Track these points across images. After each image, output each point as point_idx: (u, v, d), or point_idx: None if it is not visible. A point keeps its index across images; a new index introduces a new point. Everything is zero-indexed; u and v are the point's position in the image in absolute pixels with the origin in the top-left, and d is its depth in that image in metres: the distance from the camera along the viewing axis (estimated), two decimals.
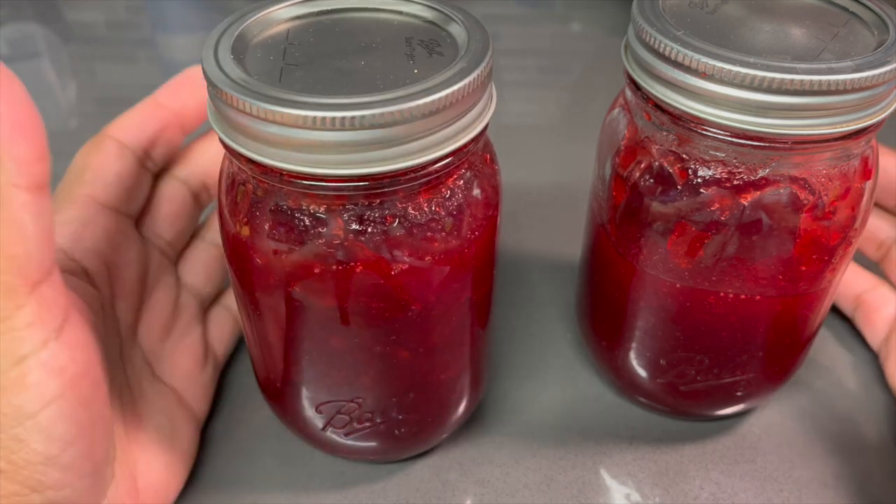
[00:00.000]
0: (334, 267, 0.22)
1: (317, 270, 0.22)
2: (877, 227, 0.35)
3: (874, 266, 0.37)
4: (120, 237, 0.27)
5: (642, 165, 0.26)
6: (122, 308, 0.27)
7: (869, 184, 0.26)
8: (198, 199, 0.31)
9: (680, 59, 0.23)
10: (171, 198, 0.30)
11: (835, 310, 0.39)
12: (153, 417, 0.28)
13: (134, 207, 0.28)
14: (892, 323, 0.35)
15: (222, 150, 0.31)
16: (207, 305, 0.33)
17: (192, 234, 0.32)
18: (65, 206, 0.26)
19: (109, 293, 0.27)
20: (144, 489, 0.26)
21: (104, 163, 0.27)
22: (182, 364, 0.30)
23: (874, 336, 0.36)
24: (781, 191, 0.24)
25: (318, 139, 0.19)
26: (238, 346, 0.37)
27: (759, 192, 0.24)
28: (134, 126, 0.28)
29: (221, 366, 0.34)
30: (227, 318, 0.34)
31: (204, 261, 0.32)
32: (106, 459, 0.23)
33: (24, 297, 0.19)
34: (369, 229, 0.22)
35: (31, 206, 0.18)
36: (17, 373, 0.19)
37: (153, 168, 0.29)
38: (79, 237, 0.26)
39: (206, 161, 0.31)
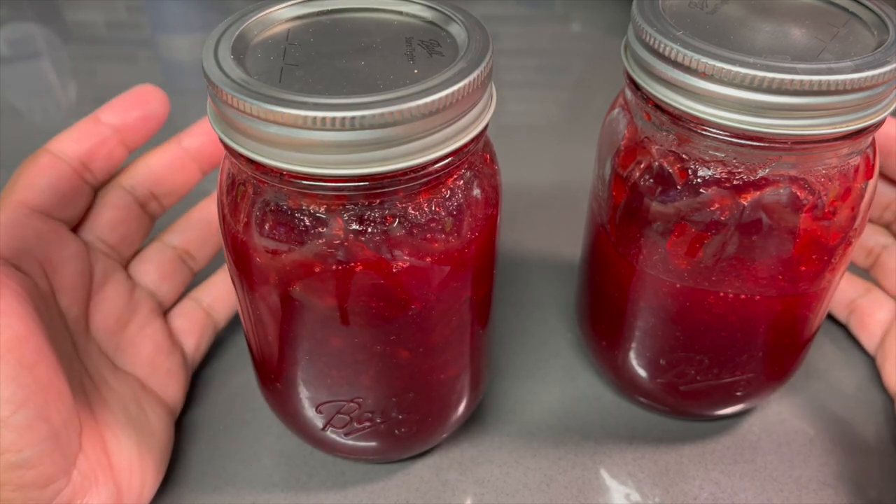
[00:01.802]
0: (334, 267, 0.22)
1: (317, 270, 0.22)
2: (865, 233, 0.35)
3: (863, 274, 0.37)
4: (53, 237, 0.28)
5: (642, 165, 0.26)
6: (65, 302, 0.28)
7: (869, 184, 0.26)
8: (146, 208, 0.32)
9: (680, 59, 0.23)
10: (113, 205, 0.31)
11: (829, 316, 0.39)
12: (117, 402, 0.29)
13: (69, 214, 0.29)
14: (886, 326, 0.35)
15: (170, 163, 0.32)
16: (169, 300, 0.34)
17: (143, 238, 0.33)
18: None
19: (48, 287, 0.28)
20: (119, 466, 0.27)
21: (37, 172, 0.28)
22: (142, 354, 0.31)
23: (870, 340, 0.36)
24: (781, 191, 0.24)
25: (318, 139, 0.19)
26: (237, 346, 0.37)
27: (758, 192, 0.24)
28: (70, 140, 0.29)
29: (194, 355, 0.34)
30: (196, 310, 0.35)
31: (158, 261, 0.33)
32: (64, 425, 0.24)
33: None
34: (369, 229, 0.22)
35: None
36: None
37: (92, 181, 0.30)
38: (7, 238, 0.27)
39: (153, 171, 0.32)
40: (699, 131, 0.24)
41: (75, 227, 0.30)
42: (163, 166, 0.32)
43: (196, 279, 0.35)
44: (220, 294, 0.35)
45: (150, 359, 0.31)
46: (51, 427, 0.23)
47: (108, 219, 0.31)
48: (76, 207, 0.30)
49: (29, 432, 0.23)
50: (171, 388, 0.32)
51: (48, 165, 0.28)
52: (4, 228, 0.27)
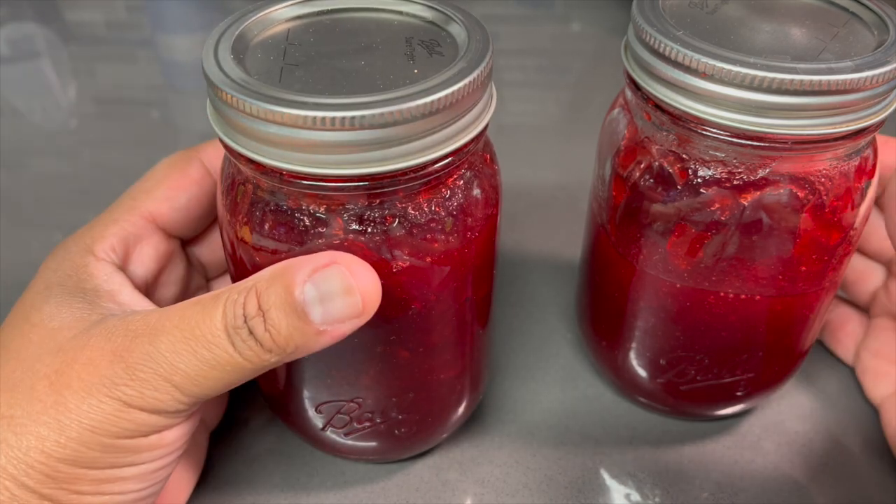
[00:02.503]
0: None
1: None
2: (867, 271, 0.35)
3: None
4: (166, 260, 0.27)
5: (642, 165, 0.26)
6: None
7: (869, 184, 0.26)
8: None
9: (680, 59, 0.23)
10: None
11: None
12: None
13: (190, 233, 0.28)
14: (857, 339, 0.35)
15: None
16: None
17: None
18: (124, 215, 0.26)
19: None
20: (165, 493, 0.27)
21: (182, 185, 0.27)
22: None
23: (845, 353, 0.36)
24: (781, 191, 0.24)
25: (318, 139, 0.19)
26: None
27: (759, 192, 0.24)
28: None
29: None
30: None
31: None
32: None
33: (185, 407, 0.22)
34: (369, 229, 0.22)
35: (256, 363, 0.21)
36: (156, 436, 0.22)
37: None
38: (125, 253, 0.26)
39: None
40: (699, 131, 0.24)
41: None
42: None
43: None
44: None
45: None
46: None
47: (214, 239, 0.30)
48: (200, 227, 0.28)
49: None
50: (215, 414, 0.32)
51: (195, 180, 0.27)
52: (128, 243, 0.26)
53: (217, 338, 0.21)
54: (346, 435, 0.29)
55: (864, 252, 0.34)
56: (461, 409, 0.30)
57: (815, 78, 0.21)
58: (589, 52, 0.68)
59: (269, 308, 0.20)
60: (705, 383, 0.31)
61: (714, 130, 0.23)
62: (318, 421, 0.28)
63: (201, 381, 0.21)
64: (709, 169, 0.25)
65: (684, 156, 0.25)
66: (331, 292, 0.20)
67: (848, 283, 0.35)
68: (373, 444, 0.29)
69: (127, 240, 0.26)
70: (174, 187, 0.27)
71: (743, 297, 0.27)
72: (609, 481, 0.31)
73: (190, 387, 0.21)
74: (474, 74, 0.20)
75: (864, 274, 0.34)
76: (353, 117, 0.19)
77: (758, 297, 0.27)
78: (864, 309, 0.36)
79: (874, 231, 0.32)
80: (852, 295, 0.36)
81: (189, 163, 0.27)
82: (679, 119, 0.24)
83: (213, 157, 0.28)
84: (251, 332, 0.20)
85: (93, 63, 0.65)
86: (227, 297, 0.21)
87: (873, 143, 0.26)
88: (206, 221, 0.29)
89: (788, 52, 0.23)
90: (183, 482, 0.29)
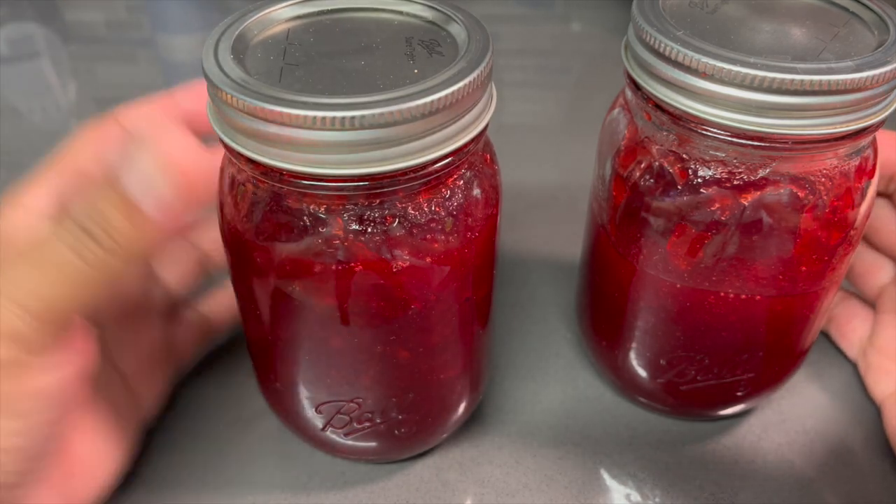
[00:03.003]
0: (334, 267, 0.22)
1: (317, 270, 0.22)
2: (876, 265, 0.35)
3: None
4: None
5: (642, 165, 0.26)
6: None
7: (869, 183, 0.26)
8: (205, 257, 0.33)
9: (680, 59, 0.23)
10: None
11: None
12: (96, 394, 0.27)
13: None
14: (863, 335, 0.35)
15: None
16: (178, 306, 0.33)
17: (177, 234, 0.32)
18: (50, 172, 0.26)
19: None
20: (78, 459, 0.26)
21: (106, 141, 0.26)
22: (138, 354, 0.30)
23: (850, 348, 0.36)
24: (781, 191, 0.24)
25: (318, 139, 0.19)
26: (238, 346, 0.37)
27: (759, 192, 0.24)
28: (143, 116, 0.27)
29: (187, 367, 0.34)
30: (197, 323, 0.34)
31: (182, 260, 0.33)
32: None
33: (39, 327, 0.21)
34: (369, 229, 0.22)
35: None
36: (30, 382, 0.22)
37: None
38: (61, 206, 0.25)
39: (212, 236, 0.32)
40: (699, 131, 0.24)
41: None
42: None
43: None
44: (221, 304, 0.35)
45: (144, 362, 0.31)
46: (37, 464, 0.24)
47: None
48: None
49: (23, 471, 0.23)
50: (152, 397, 0.31)
51: (117, 139, 0.27)
52: (53, 194, 0.25)
53: (52, 244, 0.20)
54: (346, 435, 0.29)
55: (873, 246, 0.34)
56: (461, 409, 0.30)
57: (816, 78, 0.21)
58: (589, 52, 0.68)
59: (99, 205, 0.20)
60: (705, 383, 0.31)
61: (714, 130, 0.23)
62: (318, 421, 0.28)
63: (44, 293, 0.21)
64: (709, 169, 0.25)
65: (684, 156, 0.25)
66: (150, 174, 0.20)
67: (856, 275, 0.35)
68: (373, 444, 0.29)
69: (62, 195, 0.25)
70: (97, 143, 0.27)
71: (743, 297, 0.27)
72: (609, 481, 0.31)
73: (33, 301, 0.21)
74: (474, 74, 0.20)
75: (872, 267, 0.34)
76: (353, 117, 0.19)
77: (758, 297, 0.27)
78: (871, 303, 0.36)
79: (883, 225, 0.32)
80: (860, 288, 0.35)
81: (105, 123, 0.27)
82: (679, 119, 0.24)
83: (131, 116, 0.27)
84: (87, 232, 0.20)
85: (93, 63, 0.65)
86: (62, 204, 0.21)
87: (873, 143, 0.26)
88: None
89: (788, 52, 0.23)
90: (105, 454, 0.28)
